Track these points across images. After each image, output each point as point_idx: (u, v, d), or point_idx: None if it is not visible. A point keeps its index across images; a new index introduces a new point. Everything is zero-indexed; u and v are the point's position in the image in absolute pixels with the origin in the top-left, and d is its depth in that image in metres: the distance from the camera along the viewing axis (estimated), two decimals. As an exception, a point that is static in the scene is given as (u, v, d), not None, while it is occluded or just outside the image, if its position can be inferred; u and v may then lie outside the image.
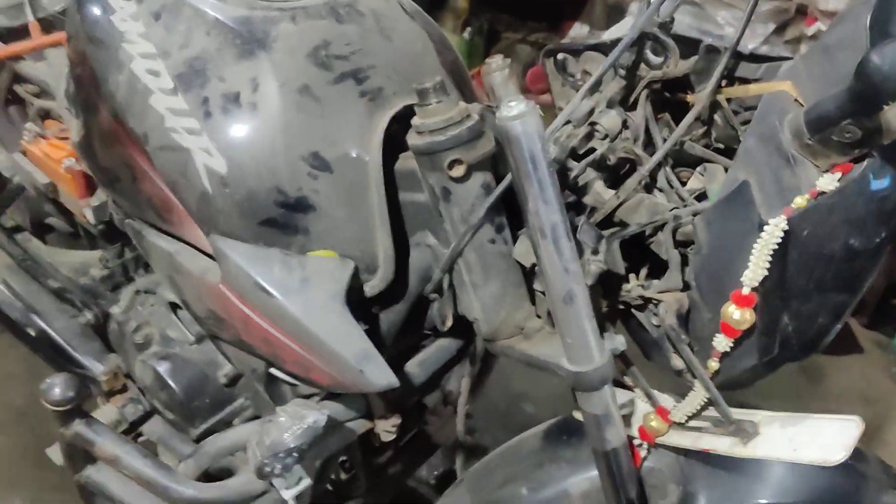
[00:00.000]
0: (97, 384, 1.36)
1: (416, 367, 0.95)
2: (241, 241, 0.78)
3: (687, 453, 0.85)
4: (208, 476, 0.97)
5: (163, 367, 1.12)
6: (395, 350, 0.94)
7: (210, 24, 0.79)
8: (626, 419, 0.92)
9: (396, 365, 0.96)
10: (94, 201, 1.16)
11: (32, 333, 1.50)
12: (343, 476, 1.31)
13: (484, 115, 0.82)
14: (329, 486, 1.29)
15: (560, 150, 0.81)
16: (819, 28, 1.77)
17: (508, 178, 0.76)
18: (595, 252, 0.75)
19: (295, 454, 0.77)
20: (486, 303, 0.84)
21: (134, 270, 1.41)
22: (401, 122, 0.83)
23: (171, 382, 1.10)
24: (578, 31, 2.63)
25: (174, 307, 1.21)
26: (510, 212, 0.82)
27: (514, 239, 0.83)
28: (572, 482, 0.90)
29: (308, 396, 0.92)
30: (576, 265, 0.70)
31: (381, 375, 0.76)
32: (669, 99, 0.90)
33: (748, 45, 2.04)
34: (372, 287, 0.82)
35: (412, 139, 0.77)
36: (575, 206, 0.85)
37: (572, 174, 0.82)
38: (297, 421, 0.76)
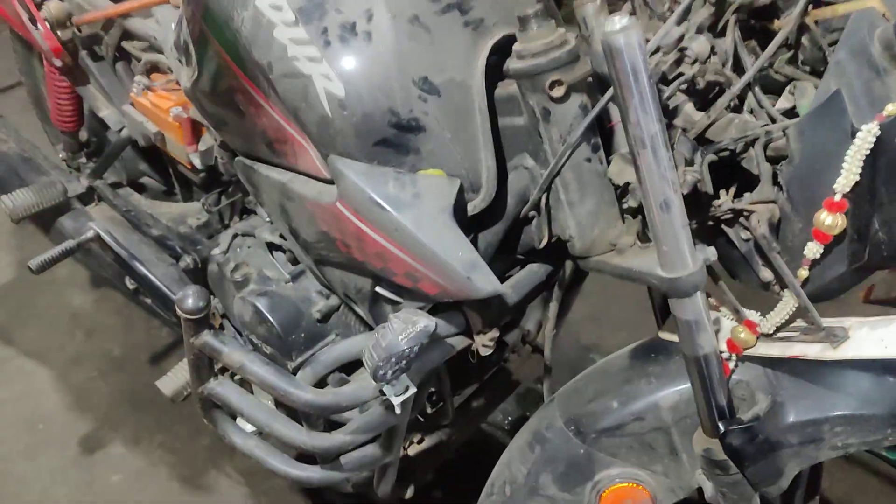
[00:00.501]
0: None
1: (510, 288, 1.01)
2: (357, 160, 0.85)
3: (774, 365, 0.89)
4: (323, 384, 1.05)
5: (262, 303, 1.18)
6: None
7: (327, -41, 0.85)
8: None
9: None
10: (202, 146, 1.25)
11: (134, 283, 1.61)
12: (429, 410, 1.39)
13: (580, 43, 0.87)
14: (419, 417, 1.37)
15: (653, 72, 0.86)
16: None
17: (606, 97, 0.81)
18: (690, 163, 0.80)
19: (405, 361, 0.84)
20: (582, 220, 0.89)
21: (229, 218, 1.50)
22: (498, 53, 0.89)
23: (269, 317, 1.17)
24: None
25: (271, 248, 1.29)
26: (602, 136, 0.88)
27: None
28: (661, 395, 0.94)
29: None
30: (673, 173, 0.75)
31: (487, 282, 0.82)
32: (755, 26, 0.93)
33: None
34: (474, 206, 0.88)
35: (514, 63, 0.83)
36: (666, 126, 0.89)
37: (663, 96, 0.86)
38: (409, 325, 0.82)
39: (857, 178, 0.75)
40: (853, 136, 0.74)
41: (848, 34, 0.78)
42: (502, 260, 1.02)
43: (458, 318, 0.98)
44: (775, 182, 0.83)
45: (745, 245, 0.88)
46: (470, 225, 0.91)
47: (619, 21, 0.70)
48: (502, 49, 0.88)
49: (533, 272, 1.04)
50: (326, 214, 0.90)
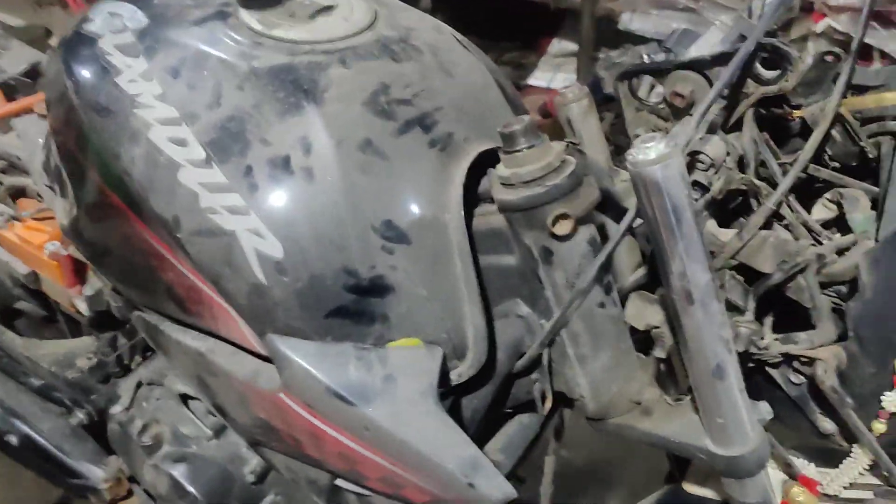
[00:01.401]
0: (97, 493, 1.20)
1: (500, 454, 0.81)
2: (305, 337, 0.63)
3: (839, 527, 0.73)
4: None
5: (179, 471, 0.98)
6: (474, 436, 0.80)
7: (243, 77, 0.65)
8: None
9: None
10: (88, 290, 1.00)
11: (14, 441, 1.32)
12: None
13: (576, 157, 0.69)
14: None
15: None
16: (829, 24, 1.69)
17: (622, 227, 0.63)
18: (742, 311, 0.63)
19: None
20: (596, 377, 0.70)
21: (130, 359, 1.25)
22: (471, 170, 0.70)
23: (190, 488, 0.96)
24: (558, 48, 2.53)
25: (185, 399, 1.06)
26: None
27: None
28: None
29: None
30: (727, 332, 0.58)
31: (495, 487, 0.62)
32: (767, 115, 0.78)
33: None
34: (460, 374, 0.68)
35: (501, 194, 0.64)
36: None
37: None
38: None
39: (952, 316, 0.59)
40: (943, 265, 0.59)
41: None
42: (486, 418, 0.82)
43: None
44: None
45: (795, 389, 0.71)
46: (451, 392, 0.71)
47: (656, 147, 0.53)
48: (477, 165, 0.70)
49: (524, 426, 0.84)
50: (266, 403, 0.68)
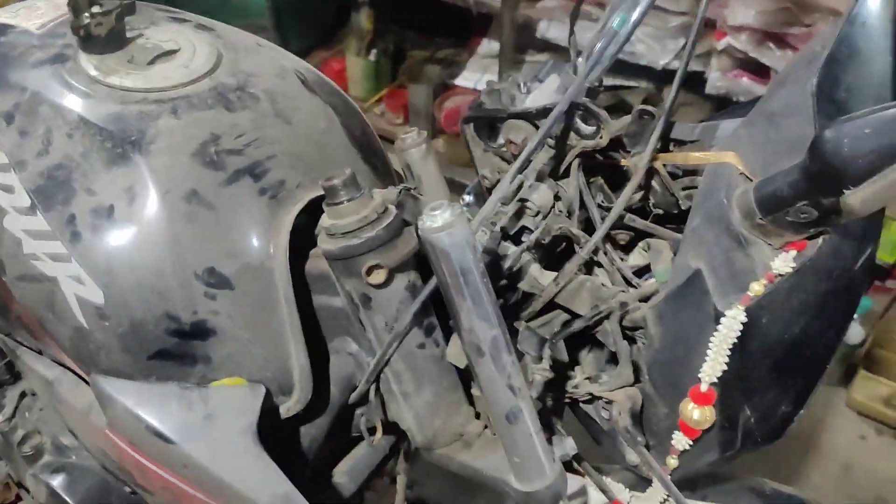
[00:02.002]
0: (-17, 499, 1.21)
1: (345, 476, 0.85)
2: (129, 378, 0.66)
3: (650, 548, 0.79)
4: None
5: (57, 482, 0.98)
6: (321, 459, 0.84)
7: (73, 125, 0.67)
8: (581, 511, 0.85)
9: (323, 475, 0.86)
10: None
11: None
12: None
13: (403, 204, 0.73)
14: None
15: (491, 237, 0.73)
16: (729, 42, 1.75)
17: (429, 285, 0.68)
18: (538, 359, 0.67)
19: None
20: (420, 412, 0.75)
21: (8, 373, 1.26)
22: (310, 212, 0.73)
23: (67, 498, 0.97)
24: (487, 49, 2.56)
25: (68, 410, 1.08)
26: (438, 306, 0.74)
27: (446, 336, 0.74)
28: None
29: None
30: (519, 380, 0.62)
31: (307, 520, 0.66)
32: (601, 162, 0.83)
33: (660, 61, 2.03)
34: (287, 409, 0.72)
35: (323, 243, 0.67)
36: (510, 290, 0.77)
37: (506, 261, 0.74)
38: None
39: (725, 366, 0.65)
40: (717, 320, 0.64)
41: (703, 195, 0.69)
42: (338, 438, 0.86)
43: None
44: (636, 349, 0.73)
45: (607, 424, 0.76)
46: (286, 423, 0.75)
47: (441, 215, 0.56)
48: (316, 207, 0.73)
49: (372, 449, 0.88)
50: (99, 436, 0.71)
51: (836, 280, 0.65)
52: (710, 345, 0.64)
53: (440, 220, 0.56)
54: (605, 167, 0.83)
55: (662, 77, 2.01)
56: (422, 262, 0.71)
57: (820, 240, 0.63)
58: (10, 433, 1.10)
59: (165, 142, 0.67)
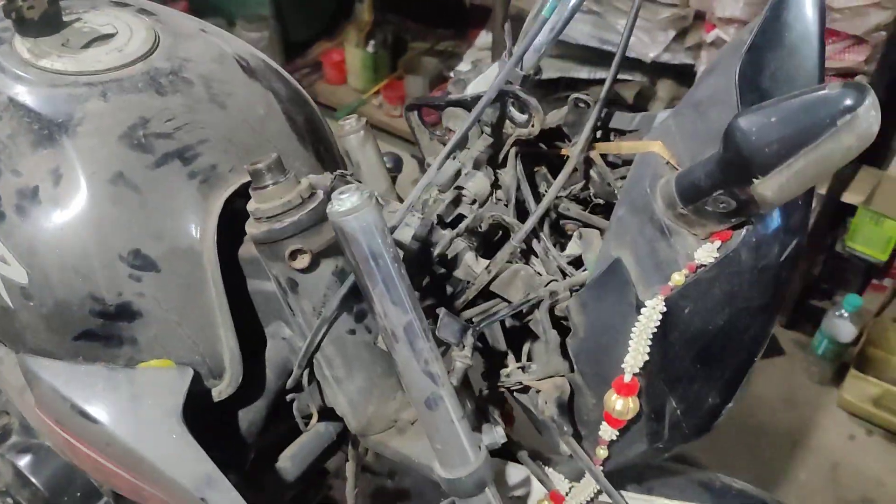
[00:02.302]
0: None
1: (288, 461, 0.86)
2: (57, 358, 0.67)
3: (586, 538, 0.79)
4: None
5: (23, 462, 0.98)
6: (266, 442, 0.85)
7: (3, 107, 0.68)
8: (523, 500, 0.85)
9: (270, 458, 0.87)
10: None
11: None
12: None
13: (335, 189, 0.73)
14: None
15: (422, 224, 0.73)
16: (718, 35, 1.73)
17: (350, 278, 0.68)
18: (461, 346, 0.67)
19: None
20: (353, 398, 0.75)
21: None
22: (246, 197, 0.74)
23: (32, 478, 0.98)
24: (484, 40, 2.55)
25: (35, 391, 1.09)
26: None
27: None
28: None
29: None
30: (437, 366, 0.62)
31: (227, 501, 0.67)
32: (544, 151, 0.82)
33: (649, 54, 2.01)
34: (219, 392, 0.72)
35: (250, 227, 0.68)
36: (445, 279, 0.77)
37: (438, 247, 0.74)
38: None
39: (647, 356, 0.64)
40: (639, 310, 0.63)
41: (629, 184, 0.68)
42: (282, 423, 0.86)
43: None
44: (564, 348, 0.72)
45: (541, 414, 0.76)
46: (223, 407, 0.75)
47: (349, 199, 0.57)
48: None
49: (319, 434, 0.89)
50: (33, 415, 0.72)
51: (761, 272, 0.64)
52: (631, 335, 0.64)
53: (348, 204, 0.57)
54: (548, 156, 0.83)
55: (653, 69, 1.99)
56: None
57: (743, 230, 0.62)
58: (-23, 414, 1.11)
59: (93, 124, 0.67)
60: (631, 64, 2.02)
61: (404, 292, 0.59)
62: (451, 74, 2.39)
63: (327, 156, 0.84)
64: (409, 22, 3.11)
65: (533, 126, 0.73)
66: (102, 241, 0.66)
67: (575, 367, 0.70)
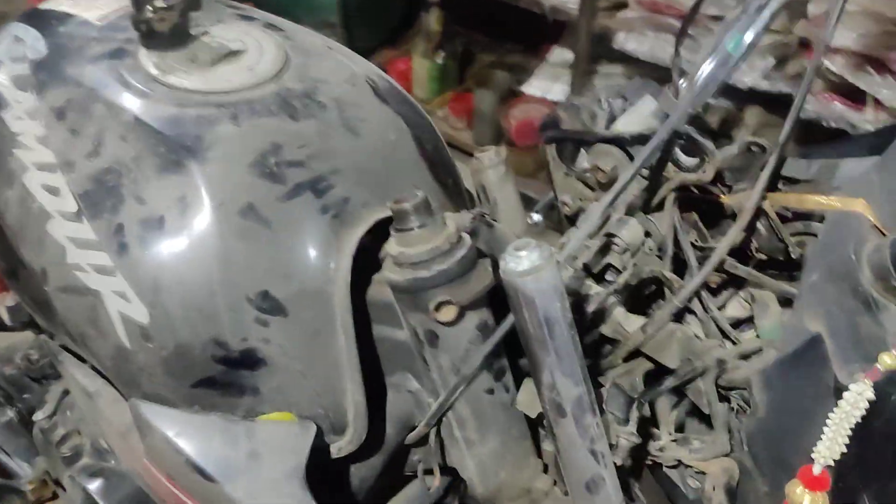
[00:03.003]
0: (21, 494, 1.19)
1: (393, 516, 0.79)
2: (171, 405, 0.61)
3: None
4: None
5: (94, 486, 0.95)
6: (370, 497, 0.77)
7: (127, 127, 0.62)
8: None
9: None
10: (9, 301, 0.98)
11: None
12: None
13: (477, 232, 0.65)
14: None
15: (574, 276, 0.65)
16: (825, 63, 1.63)
17: (504, 325, 0.60)
18: (625, 422, 0.59)
19: None
20: (483, 461, 0.68)
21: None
22: (372, 230, 0.67)
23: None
24: (559, 57, 2.47)
25: (109, 413, 1.04)
26: (510, 348, 0.66)
27: (517, 381, 0.67)
28: None
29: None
30: (603, 445, 0.55)
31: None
32: (697, 196, 0.74)
33: (746, 80, 1.91)
34: (339, 448, 0.65)
35: (389, 272, 0.61)
36: (590, 334, 0.69)
37: (589, 303, 0.66)
38: None
39: (844, 448, 0.56)
40: (838, 394, 0.55)
41: (825, 247, 0.60)
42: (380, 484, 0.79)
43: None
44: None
45: (693, 492, 0.68)
46: (336, 461, 0.68)
47: (529, 257, 0.49)
48: (382, 224, 0.66)
49: (425, 490, 0.81)
50: (137, 461, 0.65)
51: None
52: (828, 422, 0.55)
53: (527, 263, 0.49)
54: (700, 202, 0.75)
55: (745, 97, 1.89)
56: (494, 299, 0.64)
57: (967, 309, 0.53)
58: (49, 431, 1.07)
59: (223, 149, 0.61)
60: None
61: (577, 363, 0.52)
62: (533, 92, 2.31)
63: (454, 188, 0.77)
64: (478, 34, 3.04)
65: (705, 172, 0.65)
66: (229, 280, 0.59)
67: (746, 448, 0.62)
